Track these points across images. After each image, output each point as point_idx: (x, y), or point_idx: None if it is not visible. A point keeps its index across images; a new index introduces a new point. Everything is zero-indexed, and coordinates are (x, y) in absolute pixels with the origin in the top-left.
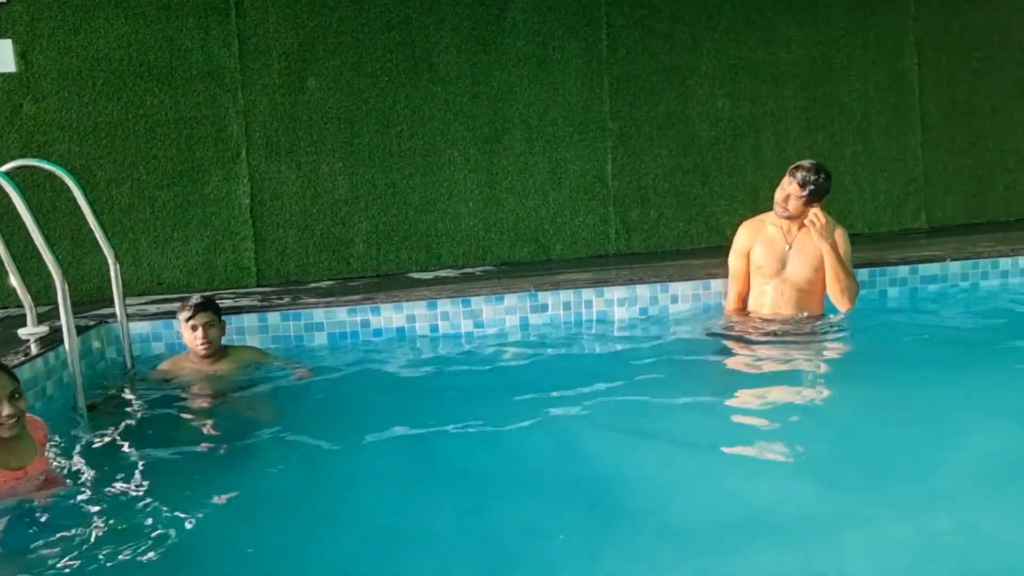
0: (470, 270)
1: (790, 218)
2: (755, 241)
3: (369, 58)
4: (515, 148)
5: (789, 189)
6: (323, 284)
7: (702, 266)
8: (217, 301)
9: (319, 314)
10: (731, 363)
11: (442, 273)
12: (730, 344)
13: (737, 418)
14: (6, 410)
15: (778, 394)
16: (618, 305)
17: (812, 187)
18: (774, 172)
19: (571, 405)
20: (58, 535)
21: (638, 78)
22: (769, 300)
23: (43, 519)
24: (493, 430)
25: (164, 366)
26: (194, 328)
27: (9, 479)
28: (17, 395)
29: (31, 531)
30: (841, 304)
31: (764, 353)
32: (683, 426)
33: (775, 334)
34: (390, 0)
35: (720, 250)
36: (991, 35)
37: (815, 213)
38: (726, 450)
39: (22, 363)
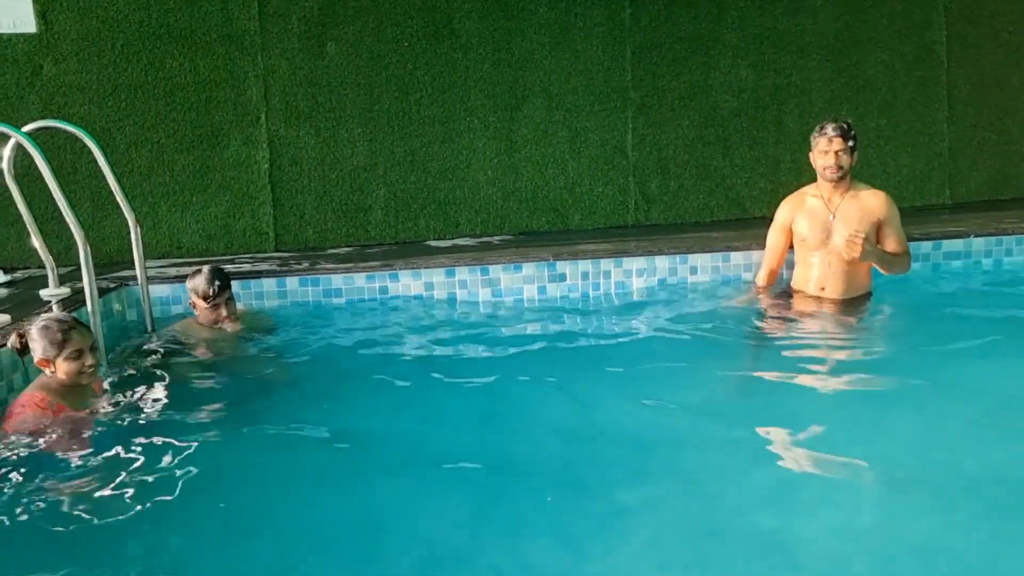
0: (488, 239)
1: (843, 178)
2: (797, 214)
3: (390, 23)
4: (535, 117)
5: (833, 146)
6: (341, 250)
7: (721, 239)
8: (229, 265)
9: (338, 280)
10: (752, 339)
11: (460, 241)
12: (754, 320)
13: (757, 397)
14: (89, 360)
15: (801, 378)
16: (636, 276)
17: (851, 130)
18: (796, 145)
19: (587, 375)
20: (90, 473)
21: (661, 47)
22: (816, 274)
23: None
24: (507, 398)
25: (178, 328)
26: (216, 307)
27: (78, 420)
28: (94, 347)
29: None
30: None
31: (789, 332)
32: (699, 402)
33: (802, 313)
34: None
35: (740, 223)
36: (1022, 8)
37: (850, 240)
38: (743, 434)
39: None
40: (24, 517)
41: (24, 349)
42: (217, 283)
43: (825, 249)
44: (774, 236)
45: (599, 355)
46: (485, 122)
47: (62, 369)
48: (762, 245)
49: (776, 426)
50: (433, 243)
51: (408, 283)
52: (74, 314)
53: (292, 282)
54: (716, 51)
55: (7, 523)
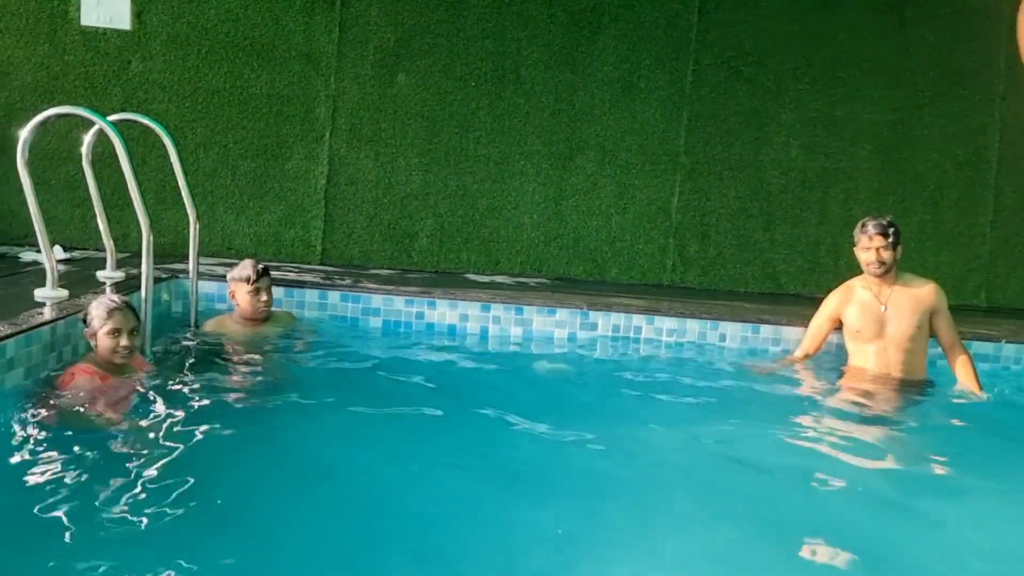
0: (525, 279)
1: (887, 272)
2: (847, 306)
3: (460, 62)
4: (586, 168)
5: (874, 243)
6: (383, 272)
7: (753, 310)
8: (274, 272)
9: (377, 300)
10: (778, 406)
11: (498, 278)
12: (781, 387)
13: (775, 463)
14: (124, 341)
15: (831, 455)
16: (666, 335)
17: (892, 228)
18: (837, 228)
19: (608, 425)
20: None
21: (717, 117)
22: (873, 363)
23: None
24: (525, 435)
25: (210, 325)
26: (257, 292)
27: (121, 388)
28: (135, 332)
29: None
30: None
31: (817, 405)
32: (716, 465)
33: (853, 390)
34: (488, 10)
35: (773, 297)
36: None
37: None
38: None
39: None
40: (65, 471)
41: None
42: (259, 267)
43: (881, 341)
44: (818, 323)
45: (620, 406)
46: (538, 167)
47: (100, 343)
48: (794, 322)
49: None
50: (472, 276)
51: (444, 312)
52: (127, 297)
53: (334, 296)
54: (770, 128)
55: (46, 474)
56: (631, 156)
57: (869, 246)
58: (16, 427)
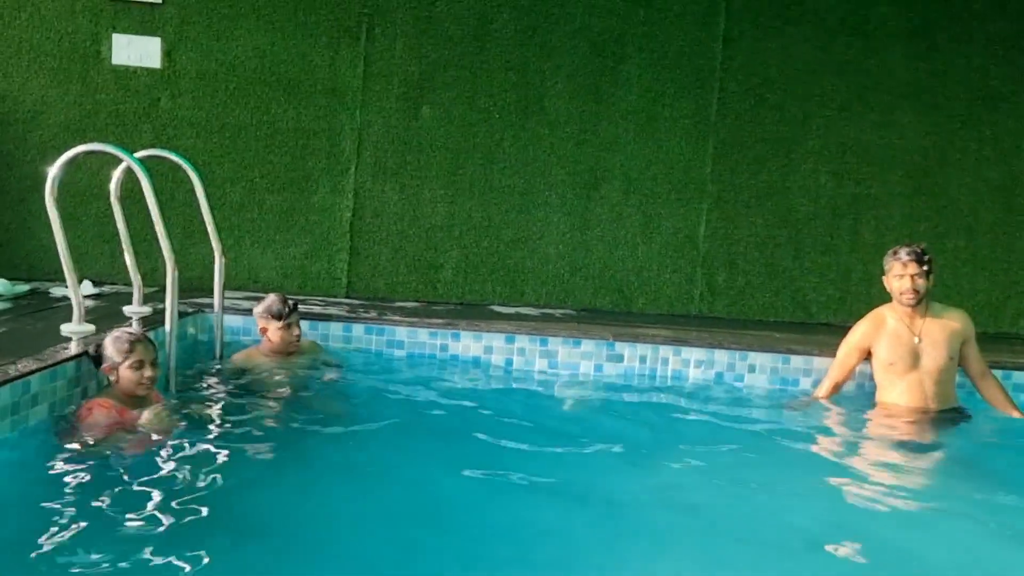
0: (551, 311)
1: (920, 302)
2: (877, 337)
3: (484, 94)
4: (611, 198)
5: (908, 270)
6: (408, 304)
7: (783, 340)
8: (300, 305)
9: (402, 332)
10: (801, 445)
11: (523, 310)
12: (814, 423)
13: (807, 506)
14: (148, 372)
15: (859, 493)
16: (694, 366)
17: (926, 255)
18: (869, 256)
19: (633, 461)
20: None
21: (743, 145)
22: (908, 397)
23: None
24: (548, 471)
25: (238, 358)
26: (289, 327)
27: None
28: (156, 363)
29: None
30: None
31: (849, 442)
32: (746, 505)
33: (887, 426)
34: (511, 42)
35: (804, 327)
36: None
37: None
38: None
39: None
40: (87, 502)
41: (98, 359)
42: (292, 303)
43: (916, 373)
44: (846, 352)
45: (646, 439)
46: (563, 198)
47: (123, 377)
48: (825, 352)
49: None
50: (497, 307)
51: (468, 344)
52: (151, 333)
53: (358, 329)
54: (797, 155)
55: (75, 506)
56: (656, 185)
57: (903, 273)
58: (38, 461)
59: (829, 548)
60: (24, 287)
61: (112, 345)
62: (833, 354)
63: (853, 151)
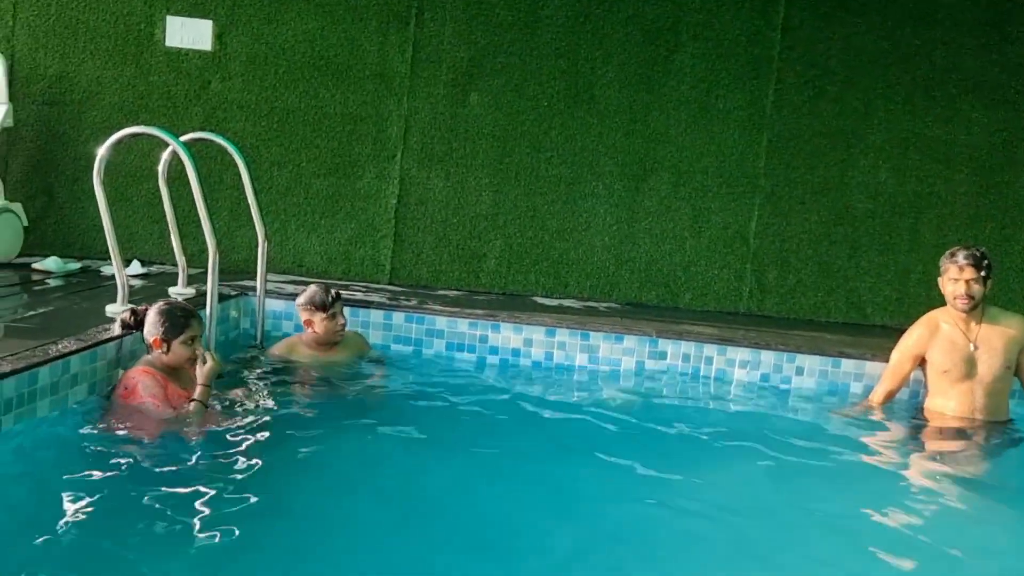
0: (594, 304)
1: (975, 307)
2: (932, 342)
3: (532, 82)
4: (660, 190)
5: (964, 275)
6: (451, 293)
7: (835, 342)
8: (343, 291)
9: (441, 322)
10: (840, 454)
11: (566, 302)
12: (862, 433)
13: (858, 519)
14: (199, 348)
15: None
16: (739, 367)
17: (985, 259)
18: (930, 256)
19: (670, 463)
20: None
21: (799, 138)
22: (956, 405)
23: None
24: (586, 470)
25: (280, 349)
26: (334, 316)
27: (183, 396)
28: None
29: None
30: None
31: (889, 452)
32: (787, 514)
33: (935, 437)
34: (562, 29)
35: (857, 328)
36: None
37: None
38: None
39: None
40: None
41: (136, 325)
42: (334, 293)
43: (969, 382)
44: (900, 359)
45: (685, 442)
46: (610, 189)
47: (175, 351)
48: (878, 356)
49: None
50: (540, 299)
51: (508, 336)
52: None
53: (398, 317)
54: (856, 150)
55: (111, 484)
56: (707, 178)
57: (958, 277)
58: (77, 440)
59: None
60: (76, 265)
61: (165, 318)
62: (887, 359)
63: (916, 146)
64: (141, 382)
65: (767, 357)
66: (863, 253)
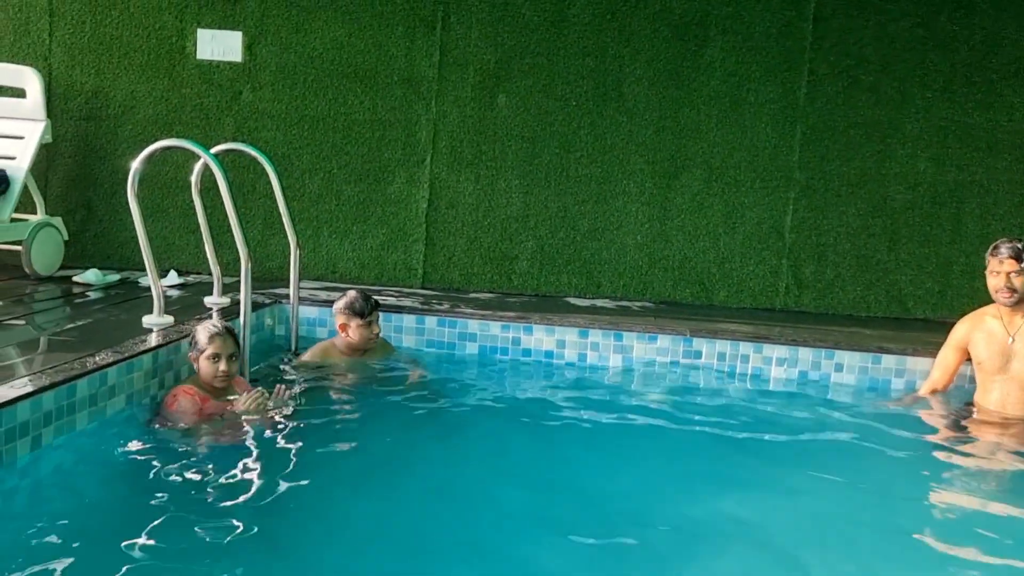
0: (628, 303)
1: (1020, 301)
2: (974, 334)
3: (560, 81)
4: (692, 187)
5: (1004, 267)
6: (483, 295)
7: (875, 337)
8: (376, 296)
9: (474, 325)
10: (897, 450)
11: (599, 302)
12: (902, 428)
13: (906, 520)
14: (223, 366)
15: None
16: (776, 364)
17: None
18: (973, 248)
19: (707, 464)
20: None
21: (834, 130)
22: (995, 398)
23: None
24: (621, 471)
25: (314, 354)
26: (370, 325)
27: (220, 407)
28: (234, 358)
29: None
30: None
31: (943, 452)
32: (827, 517)
33: (977, 430)
34: (589, 27)
35: (898, 323)
36: None
37: None
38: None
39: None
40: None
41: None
42: (374, 300)
43: (1004, 376)
44: (945, 352)
45: (722, 443)
46: (641, 187)
47: (202, 367)
48: (920, 351)
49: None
50: (573, 300)
51: (541, 338)
52: (229, 323)
53: (431, 321)
54: (894, 140)
55: (149, 494)
56: (740, 173)
57: (999, 270)
58: (116, 451)
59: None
60: (115, 276)
61: (199, 334)
62: (931, 354)
63: (956, 134)
64: (179, 400)
65: (805, 354)
66: (903, 245)
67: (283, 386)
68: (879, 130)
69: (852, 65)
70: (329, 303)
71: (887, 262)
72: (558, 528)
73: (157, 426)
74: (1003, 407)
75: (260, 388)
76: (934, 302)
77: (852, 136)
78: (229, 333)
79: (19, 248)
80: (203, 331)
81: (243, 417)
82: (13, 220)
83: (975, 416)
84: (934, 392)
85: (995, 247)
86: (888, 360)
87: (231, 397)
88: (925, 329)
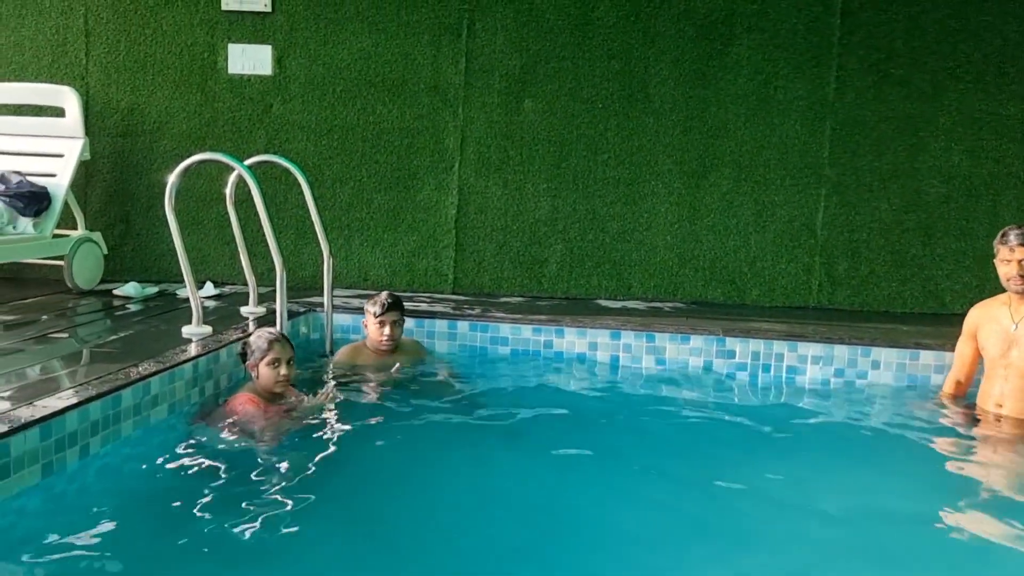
0: (659, 304)
1: None
2: (982, 322)
3: (586, 84)
4: (721, 186)
5: (1016, 255)
6: (513, 299)
7: (911, 333)
8: (407, 302)
9: (505, 329)
10: (928, 453)
11: (630, 304)
12: (931, 433)
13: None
14: (284, 370)
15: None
16: (811, 363)
17: None
18: None
19: (744, 464)
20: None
21: (865, 125)
22: (995, 389)
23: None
24: (658, 474)
25: (344, 355)
26: (382, 324)
27: (279, 410)
28: (291, 362)
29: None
30: None
31: (960, 452)
32: (868, 519)
33: (980, 433)
34: (614, 29)
35: (936, 318)
36: None
37: None
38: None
39: (240, 339)
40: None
41: (244, 356)
42: (388, 302)
43: (1003, 363)
44: (960, 343)
45: (758, 443)
46: (670, 187)
47: (262, 373)
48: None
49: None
50: (604, 302)
51: (573, 340)
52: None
53: (463, 326)
54: (926, 133)
55: (195, 500)
56: (770, 171)
57: (1009, 258)
58: (160, 459)
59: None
60: (153, 289)
61: (256, 342)
62: None
63: (990, 126)
64: (244, 410)
65: (840, 352)
66: (938, 240)
67: (332, 385)
68: (911, 124)
69: (882, 59)
70: (361, 310)
71: (922, 257)
72: (588, 524)
73: (227, 433)
74: (1001, 397)
75: (329, 384)
76: (972, 296)
77: (883, 131)
78: (285, 338)
79: (61, 263)
80: (262, 338)
81: (300, 417)
82: (55, 236)
83: (980, 416)
84: (958, 384)
85: (1003, 234)
86: (926, 356)
87: (285, 402)
88: (962, 324)
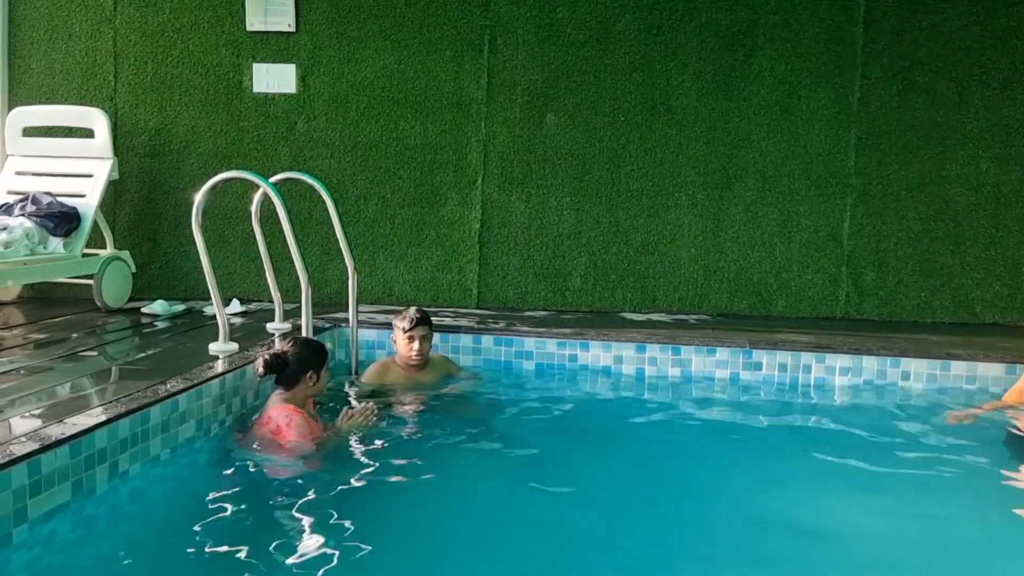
0: (684, 317)
1: None
2: None
3: (608, 97)
4: (746, 197)
5: None
6: (538, 313)
7: (942, 343)
8: (432, 317)
9: (530, 343)
10: (974, 463)
11: (655, 316)
12: (979, 440)
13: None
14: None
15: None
16: (840, 374)
17: None
18: None
19: (770, 481)
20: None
21: (890, 134)
22: None
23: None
24: (687, 490)
25: (373, 372)
26: (411, 339)
27: (317, 428)
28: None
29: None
30: None
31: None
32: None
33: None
34: (635, 42)
35: (966, 328)
36: None
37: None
38: None
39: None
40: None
41: (280, 367)
42: (417, 317)
43: None
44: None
45: (786, 455)
46: (693, 199)
47: (324, 379)
48: (991, 357)
49: None
50: (628, 315)
51: (598, 354)
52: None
53: (487, 340)
54: (953, 141)
55: (223, 516)
56: (794, 181)
57: None
58: (189, 475)
59: None
60: (180, 307)
61: (313, 351)
62: (1001, 359)
63: (1019, 132)
64: (294, 422)
65: (869, 363)
66: (968, 248)
67: (367, 403)
68: (938, 132)
69: (906, 67)
70: (387, 325)
71: (952, 266)
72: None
73: (271, 452)
74: None
75: (368, 402)
76: (1003, 306)
77: (909, 139)
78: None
79: (90, 282)
80: (318, 346)
81: (341, 434)
82: (84, 255)
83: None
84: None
85: None
86: (958, 367)
87: (322, 419)
88: (995, 333)
